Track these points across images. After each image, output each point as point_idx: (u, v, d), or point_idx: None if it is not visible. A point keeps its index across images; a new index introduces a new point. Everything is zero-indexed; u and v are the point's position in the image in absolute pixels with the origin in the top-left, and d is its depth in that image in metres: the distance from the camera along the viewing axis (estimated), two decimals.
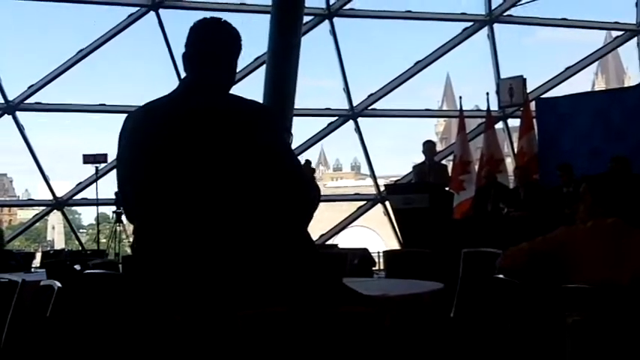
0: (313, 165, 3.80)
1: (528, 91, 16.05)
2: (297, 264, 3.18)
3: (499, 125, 17.29)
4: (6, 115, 16.04)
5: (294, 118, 15.00)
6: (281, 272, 3.06)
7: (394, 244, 15.67)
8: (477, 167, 15.22)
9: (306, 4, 15.00)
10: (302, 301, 2.96)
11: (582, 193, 4.13)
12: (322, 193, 3.44)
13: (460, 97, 16.51)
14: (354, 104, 17.27)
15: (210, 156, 3.01)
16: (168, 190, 3.05)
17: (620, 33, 18.35)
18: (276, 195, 3.06)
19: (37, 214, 19.53)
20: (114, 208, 15.79)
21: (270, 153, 3.06)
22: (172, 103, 3.20)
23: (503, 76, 16.78)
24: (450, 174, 13.58)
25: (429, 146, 12.41)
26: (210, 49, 3.26)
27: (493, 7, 17.24)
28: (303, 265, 3.20)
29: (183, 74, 3.34)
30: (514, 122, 17.14)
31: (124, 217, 11.99)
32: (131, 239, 3.36)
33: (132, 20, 16.20)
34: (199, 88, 3.20)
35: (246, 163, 3.01)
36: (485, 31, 17.42)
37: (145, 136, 3.15)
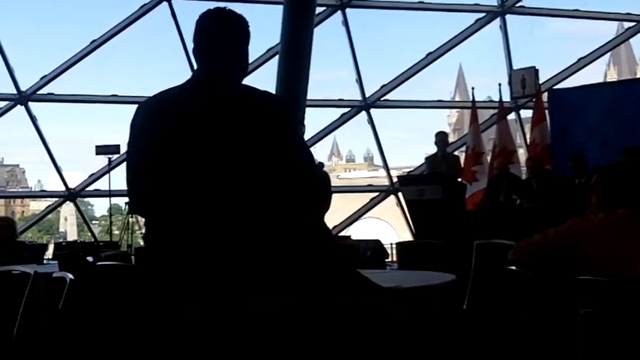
0: (326, 156, 3.81)
1: (540, 82, 16.07)
2: (311, 255, 3.17)
3: (511, 116, 17.24)
4: (19, 105, 16.03)
5: (307, 109, 14.98)
6: (295, 263, 3.06)
7: (407, 236, 15.64)
8: (489, 158, 15.19)
9: None
10: (316, 292, 2.95)
11: (594, 185, 4.12)
12: (335, 184, 3.44)
13: (472, 88, 16.51)
14: (367, 95, 17.25)
15: (223, 146, 3.01)
16: (181, 180, 3.05)
17: (632, 24, 18.26)
18: (288, 186, 3.06)
19: (49, 206, 19.52)
20: (126, 199, 15.79)
21: (281, 144, 3.06)
22: (184, 94, 3.20)
23: (515, 67, 16.78)
24: (462, 165, 13.58)
25: (441, 137, 12.40)
26: (217, 42, 3.25)
27: None
28: (317, 256, 3.20)
29: (196, 66, 3.34)
30: (526, 113, 17.17)
31: None
32: (144, 230, 3.36)
33: (145, 11, 16.18)
34: (211, 80, 3.20)
35: (257, 154, 3.01)
36: (497, 22, 17.37)
37: (156, 126, 3.15)
